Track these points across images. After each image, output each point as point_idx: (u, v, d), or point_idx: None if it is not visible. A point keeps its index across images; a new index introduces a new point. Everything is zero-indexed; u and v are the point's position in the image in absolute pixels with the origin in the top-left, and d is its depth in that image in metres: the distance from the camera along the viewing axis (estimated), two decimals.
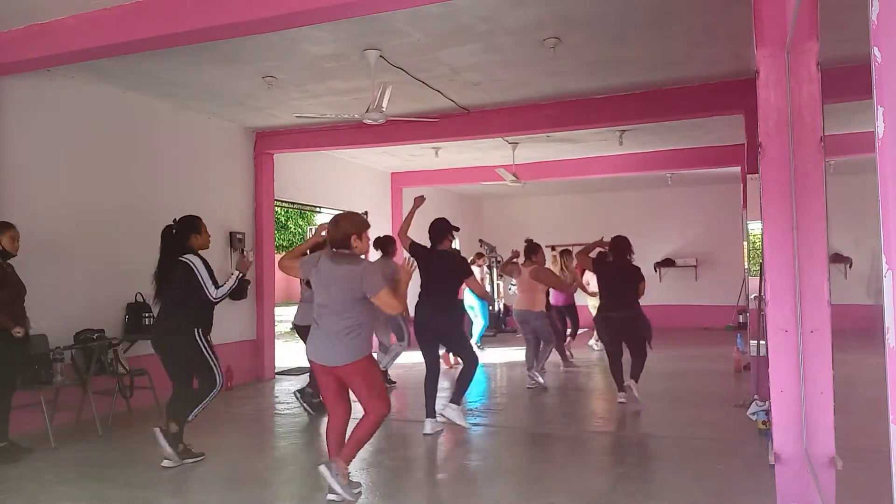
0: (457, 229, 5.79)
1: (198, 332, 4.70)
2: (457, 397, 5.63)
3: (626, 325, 6.58)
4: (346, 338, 3.77)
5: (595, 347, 10.74)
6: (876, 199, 1.33)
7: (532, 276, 7.61)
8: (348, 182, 11.04)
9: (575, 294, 9.76)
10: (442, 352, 6.08)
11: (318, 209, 10.56)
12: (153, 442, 4.56)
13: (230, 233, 8.27)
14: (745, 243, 7.34)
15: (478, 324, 10.44)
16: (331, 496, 3.81)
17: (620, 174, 11.52)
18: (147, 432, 5.57)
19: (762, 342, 5.32)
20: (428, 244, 5.70)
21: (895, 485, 1.27)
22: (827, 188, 2.99)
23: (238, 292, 4.93)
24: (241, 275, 4.84)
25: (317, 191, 10.25)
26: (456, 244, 5.80)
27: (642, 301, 6.70)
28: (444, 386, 7.38)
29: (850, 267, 12.54)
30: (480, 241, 13.72)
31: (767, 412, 4.40)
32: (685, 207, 14.61)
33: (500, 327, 13.77)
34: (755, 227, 6.53)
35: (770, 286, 3.11)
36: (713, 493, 3.96)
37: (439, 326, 5.54)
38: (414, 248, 5.61)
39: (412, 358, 7.81)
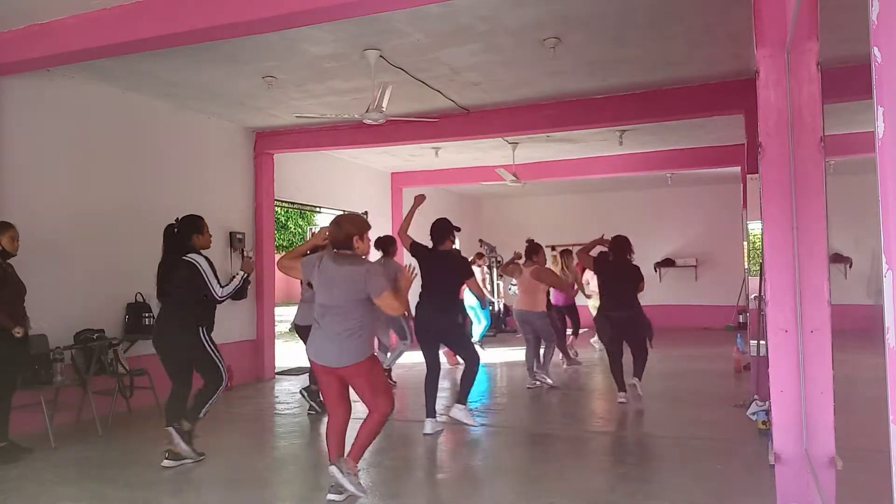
0: (458, 229, 5.80)
1: (202, 331, 4.74)
2: (462, 397, 5.67)
3: (626, 325, 6.59)
4: (348, 339, 3.77)
5: (597, 346, 10.74)
6: (876, 199, 1.33)
7: (534, 276, 7.62)
8: (348, 182, 11.04)
9: (577, 294, 9.79)
10: (445, 349, 6.10)
11: (318, 209, 10.56)
12: (154, 442, 4.56)
13: (230, 233, 8.27)
14: (745, 243, 7.34)
15: (478, 323, 10.44)
16: (331, 496, 3.82)
17: (620, 174, 11.52)
18: (147, 432, 5.62)
19: (762, 342, 5.32)
20: (427, 243, 5.71)
21: (895, 485, 1.27)
22: (827, 188, 2.99)
23: (238, 292, 4.94)
24: (246, 275, 4.87)
25: (317, 191, 10.25)
26: (456, 244, 5.81)
27: (642, 301, 6.72)
28: (445, 386, 7.39)
29: (850, 267, 12.54)
30: (480, 241, 13.72)
31: (767, 412, 4.40)
32: (685, 207, 14.61)
33: (500, 327, 13.78)
34: (755, 227, 6.53)
35: (770, 286, 3.11)
36: (713, 493, 3.96)
37: (440, 326, 5.55)
38: (415, 248, 5.62)
39: (412, 358, 7.81)
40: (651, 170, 11.24)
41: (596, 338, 10.79)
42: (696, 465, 4.55)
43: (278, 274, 6.46)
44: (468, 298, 9.89)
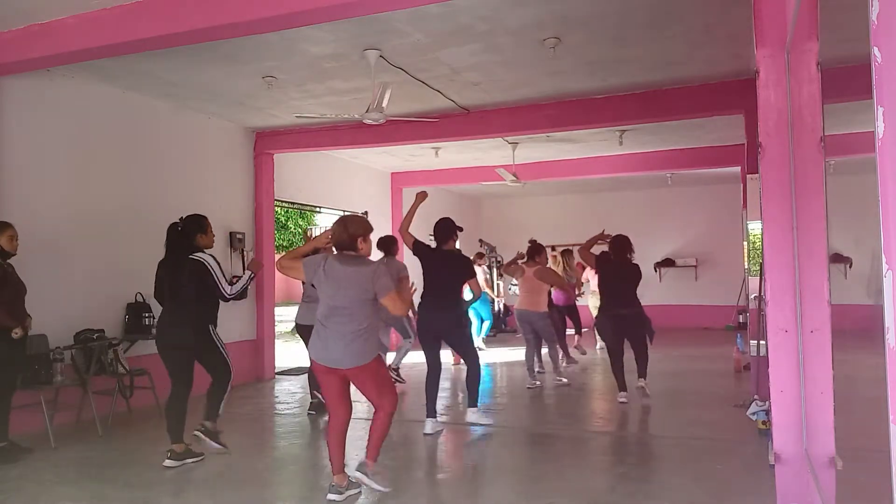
0: (460, 229, 5.81)
1: (212, 328, 4.80)
2: (472, 401, 5.72)
3: (628, 324, 6.61)
4: (357, 340, 3.79)
5: (598, 346, 10.74)
6: (876, 199, 1.33)
7: (537, 276, 7.64)
8: (348, 182, 11.04)
9: (579, 295, 9.81)
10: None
11: (318, 209, 10.56)
12: (154, 442, 4.57)
13: (230, 233, 8.27)
14: (745, 243, 7.34)
15: (478, 322, 10.45)
16: (331, 496, 3.83)
17: (620, 174, 11.52)
18: (147, 432, 5.62)
19: (762, 342, 5.32)
20: (427, 242, 5.72)
21: (895, 485, 1.27)
22: (827, 188, 2.99)
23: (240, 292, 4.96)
24: (252, 274, 4.92)
25: (317, 191, 10.25)
26: (456, 244, 5.82)
27: (641, 300, 6.73)
28: (445, 386, 7.39)
29: (850, 267, 12.53)
30: (480, 241, 13.72)
31: (767, 412, 4.40)
32: (685, 207, 14.61)
33: (500, 327, 13.78)
34: (755, 227, 6.53)
35: (770, 286, 3.11)
36: (713, 493, 3.96)
37: (442, 326, 5.56)
38: (417, 247, 5.62)
39: (413, 358, 7.81)
40: (651, 170, 11.24)
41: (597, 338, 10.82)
42: (696, 465, 4.55)
43: (278, 274, 6.46)
44: (467, 296, 9.89)
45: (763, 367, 3.97)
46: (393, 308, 3.88)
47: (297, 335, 6.50)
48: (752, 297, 6.59)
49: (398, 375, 7.74)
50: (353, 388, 4.00)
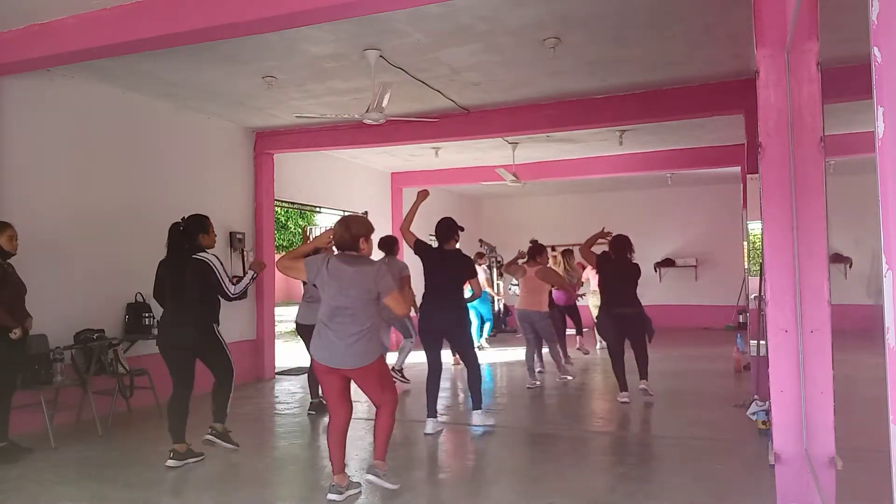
0: (462, 229, 5.81)
1: (216, 327, 4.83)
2: (477, 403, 5.72)
3: (629, 323, 6.61)
4: (361, 339, 3.80)
5: (598, 346, 10.74)
6: (876, 199, 1.33)
7: (539, 277, 7.65)
8: (348, 182, 11.04)
9: (579, 297, 9.82)
10: None
11: (318, 209, 10.56)
12: (154, 442, 4.57)
13: (230, 233, 8.27)
14: (745, 243, 7.34)
15: (478, 322, 10.45)
16: (331, 496, 3.83)
17: (620, 174, 11.52)
18: (147, 432, 5.62)
19: (762, 342, 5.32)
20: (426, 241, 5.72)
21: (895, 485, 1.27)
22: (827, 188, 2.99)
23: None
24: (255, 274, 4.94)
25: (317, 191, 10.25)
26: (457, 244, 5.82)
27: (641, 300, 6.73)
28: (445, 386, 7.39)
29: (850, 267, 12.53)
30: (480, 241, 13.72)
31: (767, 412, 4.40)
32: (685, 207, 14.61)
33: (500, 327, 13.79)
34: (755, 227, 6.53)
35: (770, 286, 3.11)
36: (713, 493, 3.96)
37: (443, 326, 5.56)
38: (419, 247, 5.63)
39: (413, 358, 7.81)
40: (651, 170, 11.24)
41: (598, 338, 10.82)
42: (696, 465, 4.55)
43: (278, 274, 6.46)
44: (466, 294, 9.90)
45: (763, 367, 3.97)
46: (396, 307, 3.91)
47: (298, 335, 6.49)
48: (752, 297, 6.59)
49: (403, 376, 7.73)
50: (352, 387, 4.01)
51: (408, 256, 7.25)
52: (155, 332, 6.23)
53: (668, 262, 14.68)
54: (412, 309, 6.63)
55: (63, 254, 6.14)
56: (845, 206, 9.37)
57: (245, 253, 8.43)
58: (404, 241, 5.81)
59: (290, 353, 11.08)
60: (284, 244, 22.33)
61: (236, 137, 8.50)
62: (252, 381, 8.41)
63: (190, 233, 4.79)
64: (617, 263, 6.77)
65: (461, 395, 7.37)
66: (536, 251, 7.96)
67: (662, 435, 5.56)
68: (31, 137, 5.97)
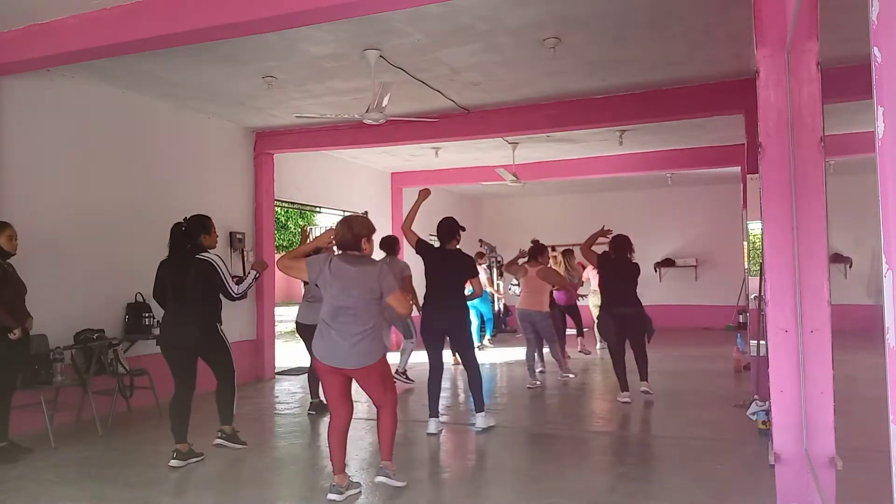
0: (463, 229, 5.81)
1: (219, 327, 4.85)
2: (479, 405, 5.69)
3: (630, 322, 6.62)
4: (365, 339, 3.80)
5: (598, 346, 10.74)
6: (876, 199, 1.33)
7: (540, 276, 7.65)
8: (348, 182, 11.04)
9: (580, 297, 9.83)
10: None
11: (318, 209, 10.57)
12: (154, 442, 4.57)
13: (230, 233, 8.27)
14: (745, 243, 7.34)
15: (478, 322, 10.46)
16: (331, 496, 3.83)
17: (620, 174, 11.52)
18: (147, 432, 5.62)
19: (762, 342, 5.32)
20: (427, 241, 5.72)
21: (895, 485, 1.27)
22: (827, 188, 2.99)
23: None
24: (257, 274, 4.96)
25: (317, 191, 10.25)
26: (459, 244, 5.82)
27: (641, 300, 6.74)
28: (446, 386, 7.39)
29: (850, 267, 12.54)
30: (480, 240, 13.72)
31: (767, 412, 4.40)
32: (685, 207, 14.61)
33: (500, 327, 13.79)
34: (755, 227, 6.53)
35: (770, 286, 3.11)
36: (713, 493, 3.96)
37: (445, 325, 5.57)
38: (420, 246, 5.63)
39: (414, 358, 7.81)
40: (651, 170, 11.24)
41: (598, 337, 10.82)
42: (696, 465, 4.55)
43: (278, 274, 6.46)
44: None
45: (763, 367, 3.97)
46: (398, 307, 3.91)
47: (298, 335, 6.49)
48: (752, 297, 6.59)
49: (407, 378, 7.72)
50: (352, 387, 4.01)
51: (408, 256, 7.26)
52: (155, 332, 6.24)
53: (668, 262, 14.68)
54: (414, 308, 6.63)
55: (63, 254, 6.14)
56: (845, 206, 9.38)
57: (245, 253, 8.43)
58: (405, 241, 5.81)
59: (290, 353, 11.08)
60: (284, 244, 22.33)
61: (236, 137, 8.50)
62: (252, 381, 8.41)
63: (192, 233, 4.80)
64: (617, 263, 6.78)
65: (462, 395, 7.38)
66: (537, 251, 7.97)
67: (662, 435, 5.56)
68: (31, 137, 5.97)
